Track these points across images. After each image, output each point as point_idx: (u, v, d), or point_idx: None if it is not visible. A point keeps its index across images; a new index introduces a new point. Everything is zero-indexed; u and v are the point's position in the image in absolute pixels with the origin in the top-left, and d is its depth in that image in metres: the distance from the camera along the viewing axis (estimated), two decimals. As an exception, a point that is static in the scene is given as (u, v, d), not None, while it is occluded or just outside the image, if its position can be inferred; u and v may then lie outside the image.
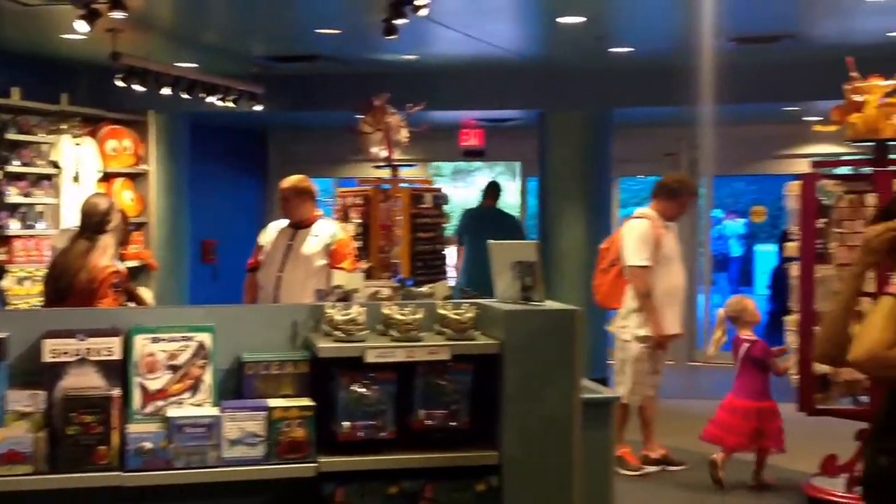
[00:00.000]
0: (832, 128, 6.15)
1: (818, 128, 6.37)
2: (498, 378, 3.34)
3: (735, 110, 9.00)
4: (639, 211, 6.82)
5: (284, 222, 6.06)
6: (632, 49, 8.35)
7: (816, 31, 7.80)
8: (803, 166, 6.39)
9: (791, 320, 6.19)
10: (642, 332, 6.56)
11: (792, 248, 6.26)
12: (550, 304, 3.48)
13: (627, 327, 6.62)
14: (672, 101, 8.87)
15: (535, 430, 3.34)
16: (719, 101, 7.61)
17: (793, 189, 6.20)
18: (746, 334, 6.44)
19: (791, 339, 6.20)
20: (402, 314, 3.36)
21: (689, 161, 11.16)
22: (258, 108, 9.24)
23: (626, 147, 10.42)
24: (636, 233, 6.57)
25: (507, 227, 9.76)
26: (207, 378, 3.28)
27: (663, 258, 6.55)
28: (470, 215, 10.18)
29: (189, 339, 3.27)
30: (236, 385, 3.36)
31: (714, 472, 6.36)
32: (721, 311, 6.58)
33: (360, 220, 7.85)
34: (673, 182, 6.81)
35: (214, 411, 3.20)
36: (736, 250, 17.15)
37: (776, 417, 6.30)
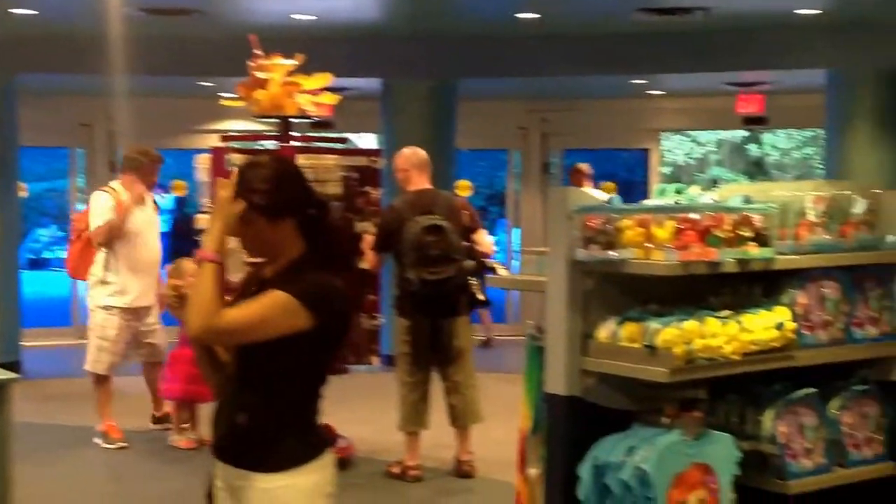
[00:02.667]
0: (239, 103, 6.32)
1: (226, 103, 6.51)
2: None
3: (150, 82, 8.89)
4: (109, 185, 6.94)
5: None
6: (35, 12, 7.80)
7: (224, 9, 7.96)
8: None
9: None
10: (105, 301, 6.67)
11: (204, 220, 6.33)
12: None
13: (93, 297, 6.75)
14: (81, 69, 8.53)
15: None
16: (132, 72, 7.46)
17: (203, 162, 6.27)
18: None
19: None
20: None
21: (107, 132, 10.85)
22: None
23: (34, 115, 9.76)
24: (97, 202, 6.70)
25: None
26: None
27: (128, 231, 6.63)
28: None
29: None
30: None
31: None
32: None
33: None
34: (136, 154, 6.86)
35: None
36: (165, 225, 17.03)
37: None
